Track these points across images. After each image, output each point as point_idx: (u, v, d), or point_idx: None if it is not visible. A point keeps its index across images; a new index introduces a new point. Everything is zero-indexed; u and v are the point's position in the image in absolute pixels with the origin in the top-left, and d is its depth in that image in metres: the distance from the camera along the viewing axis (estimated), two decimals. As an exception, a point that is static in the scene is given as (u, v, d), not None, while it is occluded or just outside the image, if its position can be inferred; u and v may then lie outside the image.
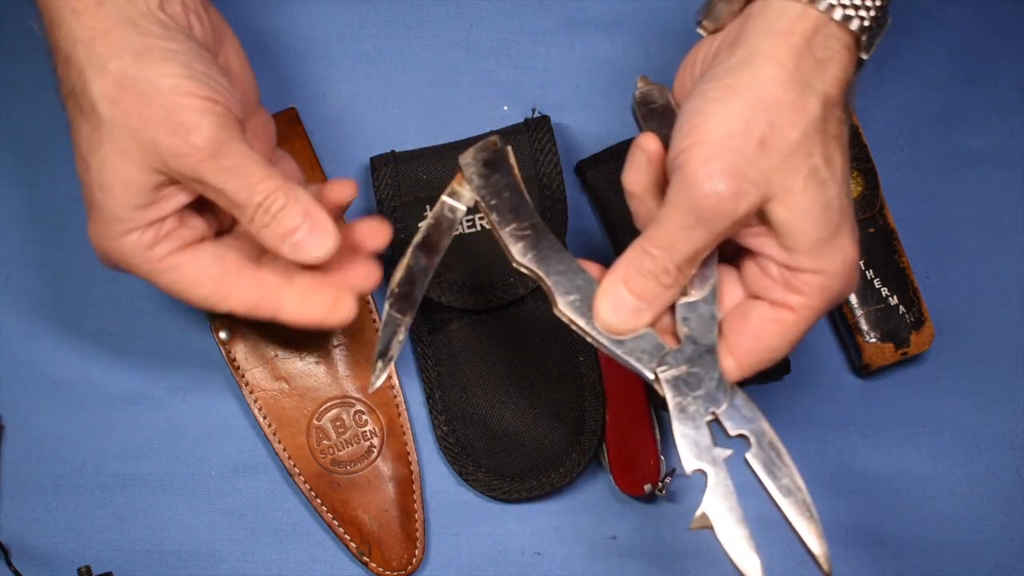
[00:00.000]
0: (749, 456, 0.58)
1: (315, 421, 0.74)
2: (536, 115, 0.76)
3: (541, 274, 0.59)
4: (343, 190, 0.64)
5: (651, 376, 0.58)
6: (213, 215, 0.63)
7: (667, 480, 0.72)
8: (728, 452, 0.57)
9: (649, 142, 0.58)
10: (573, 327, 0.59)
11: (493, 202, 0.60)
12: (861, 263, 0.75)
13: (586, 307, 0.58)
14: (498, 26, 0.80)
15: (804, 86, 0.54)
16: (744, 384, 0.75)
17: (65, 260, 0.76)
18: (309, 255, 0.59)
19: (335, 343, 0.74)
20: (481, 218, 0.74)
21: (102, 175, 0.57)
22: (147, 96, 0.56)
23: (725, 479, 0.57)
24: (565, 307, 0.59)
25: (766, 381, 0.76)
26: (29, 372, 0.75)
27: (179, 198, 0.59)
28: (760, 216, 0.55)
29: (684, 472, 0.57)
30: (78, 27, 0.56)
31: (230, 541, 0.74)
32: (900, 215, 0.77)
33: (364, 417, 0.74)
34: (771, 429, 0.58)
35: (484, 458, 0.74)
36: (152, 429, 0.75)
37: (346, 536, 0.73)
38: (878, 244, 0.76)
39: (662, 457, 0.73)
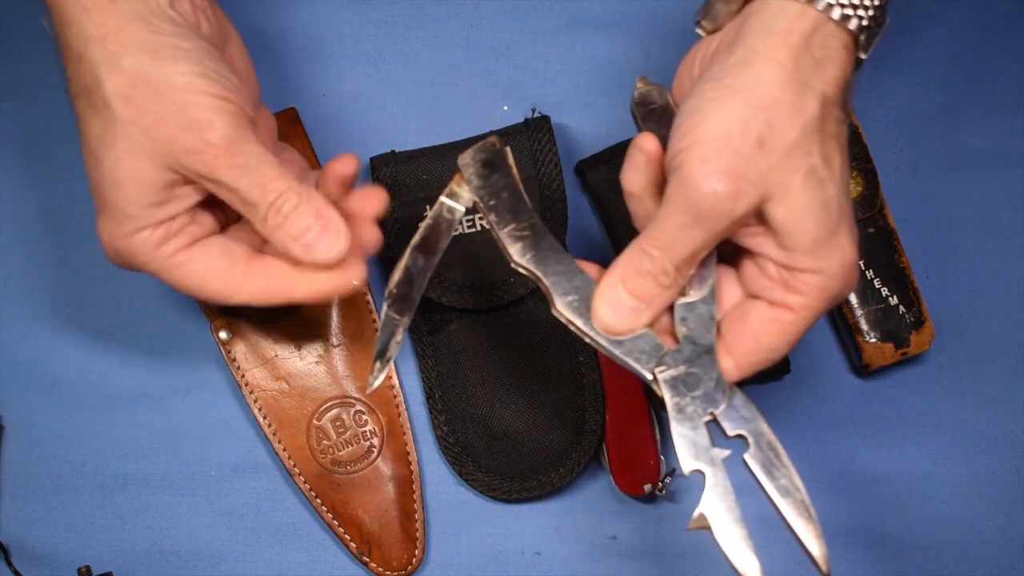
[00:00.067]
0: (747, 456, 0.58)
1: (315, 421, 0.74)
2: (536, 115, 0.76)
3: (539, 274, 0.59)
4: (344, 165, 0.64)
5: (649, 376, 0.58)
6: (221, 210, 0.63)
7: (667, 480, 0.72)
8: (726, 452, 0.57)
9: (647, 142, 0.58)
10: (571, 327, 0.59)
11: (492, 203, 0.60)
12: (861, 263, 0.75)
13: (584, 308, 0.58)
14: (498, 26, 0.80)
15: (802, 85, 0.54)
16: (744, 384, 0.75)
17: (65, 260, 0.76)
18: (321, 256, 0.59)
19: (335, 343, 0.75)
20: (481, 218, 0.74)
21: (115, 173, 0.57)
22: (161, 93, 0.56)
23: (723, 479, 0.57)
24: (563, 308, 0.59)
25: (766, 381, 0.76)
26: (29, 372, 0.75)
27: (191, 196, 0.59)
28: (759, 216, 0.55)
29: (683, 472, 0.57)
30: (90, 24, 0.56)
31: (230, 541, 0.74)
32: (900, 215, 0.77)
33: (364, 417, 0.74)
34: (769, 430, 0.58)
35: (484, 458, 0.74)
36: (152, 429, 0.75)
37: (346, 536, 0.73)
38: (878, 244, 0.76)
39: (662, 457, 0.73)
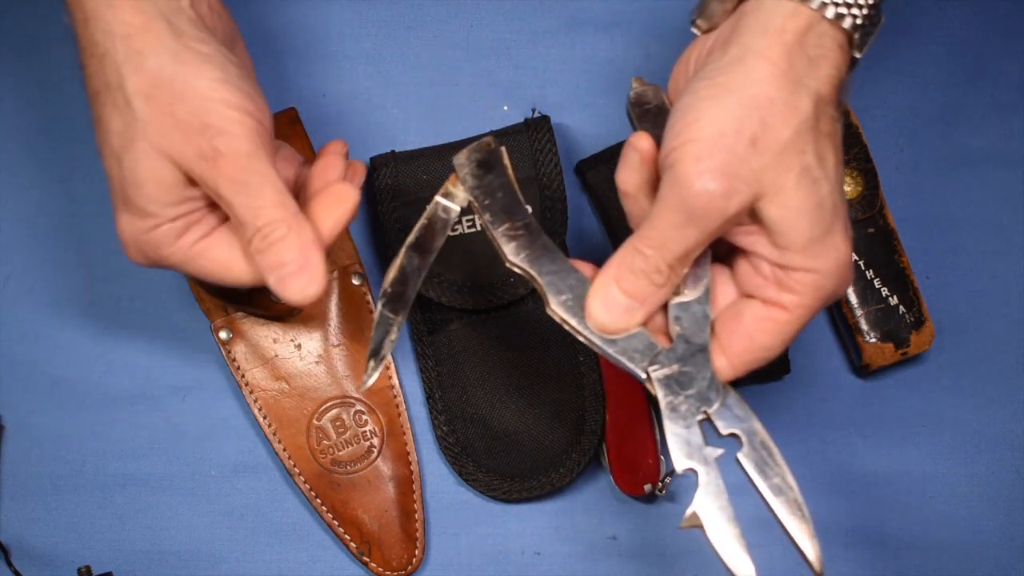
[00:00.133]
0: (740, 455, 0.57)
1: (315, 421, 0.74)
2: (536, 115, 0.76)
3: (534, 274, 0.59)
4: (330, 148, 0.64)
5: (643, 375, 0.58)
6: None
7: (667, 480, 0.72)
8: (719, 451, 0.57)
9: (642, 141, 0.58)
10: (566, 327, 0.59)
11: (486, 202, 0.60)
12: (861, 263, 0.75)
13: (578, 307, 0.58)
14: (498, 26, 0.80)
15: (796, 84, 0.54)
16: (744, 384, 0.75)
17: (65, 260, 0.76)
18: (291, 294, 0.58)
19: (335, 343, 0.75)
20: (481, 218, 0.74)
21: (135, 172, 0.57)
22: (182, 96, 0.56)
23: (716, 478, 0.57)
24: (557, 307, 0.59)
25: (766, 381, 0.76)
26: (29, 372, 0.75)
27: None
28: (752, 215, 0.55)
29: (677, 471, 0.57)
30: (115, 22, 0.56)
31: (230, 541, 0.74)
32: (900, 215, 0.77)
33: (364, 417, 0.74)
34: (763, 429, 0.58)
35: (484, 458, 0.74)
36: (152, 429, 0.75)
37: (346, 536, 0.73)
38: (878, 244, 0.76)
39: (662, 457, 0.73)
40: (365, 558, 0.73)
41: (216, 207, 0.60)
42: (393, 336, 0.60)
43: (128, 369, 0.75)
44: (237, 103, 0.56)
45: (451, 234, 0.74)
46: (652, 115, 0.60)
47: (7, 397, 0.75)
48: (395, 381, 0.75)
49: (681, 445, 0.57)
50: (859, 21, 0.55)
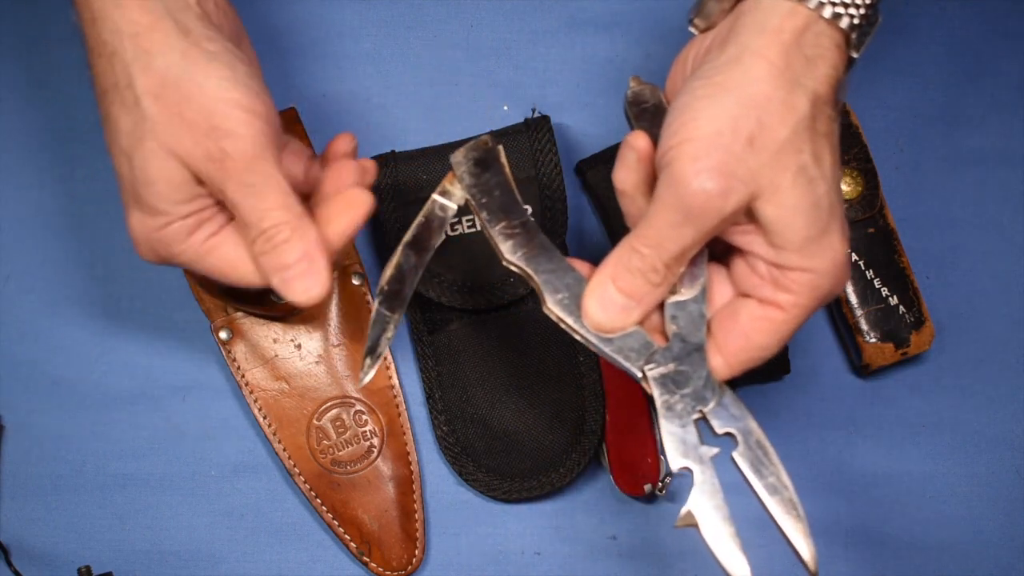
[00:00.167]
0: (736, 454, 0.57)
1: (315, 421, 0.74)
2: (536, 115, 0.76)
3: (530, 272, 0.59)
4: (341, 146, 0.64)
5: (639, 374, 0.58)
6: None
7: (667, 480, 0.72)
8: (715, 450, 0.57)
9: (639, 140, 0.58)
10: (562, 325, 0.59)
11: (483, 200, 0.60)
12: (861, 263, 0.75)
13: (575, 305, 0.58)
14: (498, 26, 0.80)
15: (793, 84, 0.54)
16: (744, 384, 0.75)
17: (65, 260, 0.76)
18: (295, 295, 0.59)
19: (335, 343, 0.75)
20: (481, 218, 0.74)
21: (146, 171, 0.57)
22: (190, 96, 0.56)
23: (711, 477, 0.57)
24: (554, 305, 0.59)
25: (766, 381, 0.76)
26: (29, 372, 0.75)
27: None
28: (749, 214, 0.55)
29: (671, 469, 0.57)
30: (123, 21, 0.56)
31: (230, 541, 0.74)
32: (900, 215, 0.77)
33: (364, 417, 0.74)
34: (758, 428, 0.58)
35: (484, 458, 0.74)
36: (152, 429, 0.75)
37: (346, 536, 0.73)
38: (878, 244, 0.76)
39: (662, 457, 0.73)
40: (365, 558, 0.73)
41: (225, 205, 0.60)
42: (389, 334, 0.60)
43: (128, 369, 0.75)
44: (245, 103, 0.56)
45: (451, 234, 0.74)
46: (649, 114, 0.61)
47: (7, 397, 0.75)
48: (395, 381, 0.75)
49: (677, 444, 0.57)
50: (856, 21, 0.55)
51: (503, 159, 0.61)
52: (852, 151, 0.76)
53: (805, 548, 0.57)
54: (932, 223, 0.79)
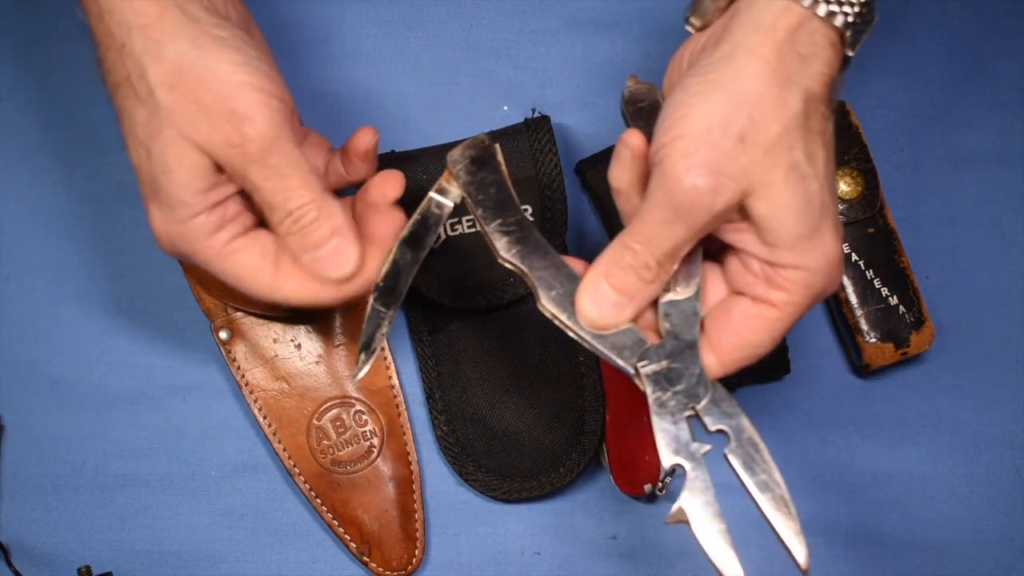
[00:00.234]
0: (728, 452, 0.57)
1: (315, 421, 0.74)
2: (536, 115, 0.76)
3: (525, 269, 0.59)
4: (360, 140, 0.64)
5: (632, 371, 0.58)
6: None
7: (667, 480, 0.72)
8: (707, 447, 0.57)
9: (633, 138, 0.58)
10: (556, 322, 0.59)
11: (480, 198, 0.60)
12: (861, 263, 0.75)
13: (568, 302, 0.59)
14: (498, 26, 0.80)
15: (786, 81, 0.54)
16: (744, 384, 0.75)
17: (65, 260, 0.76)
18: (328, 273, 0.60)
19: (335, 343, 0.75)
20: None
21: (164, 160, 0.57)
22: (205, 82, 0.56)
23: (703, 474, 0.57)
24: (548, 302, 0.59)
25: (766, 381, 0.76)
26: (29, 372, 0.75)
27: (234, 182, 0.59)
28: (741, 211, 0.55)
29: (664, 467, 0.57)
30: (131, 12, 0.56)
31: (230, 541, 0.74)
32: (900, 215, 0.77)
33: (364, 417, 0.74)
34: (751, 425, 0.58)
35: (484, 458, 0.74)
36: (152, 429, 0.75)
37: (346, 536, 0.73)
38: (878, 244, 0.76)
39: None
40: (365, 558, 0.73)
41: (249, 207, 0.60)
42: (384, 330, 0.60)
43: (128, 369, 0.75)
44: (260, 85, 0.56)
45: (451, 234, 0.74)
46: (646, 113, 0.61)
47: (7, 397, 0.75)
48: (395, 381, 0.75)
49: (668, 441, 0.57)
50: (851, 19, 0.55)
51: (500, 157, 0.61)
52: (852, 151, 0.76)
53: (796, 545, 0.57)
54: (932, 223, 0.79)
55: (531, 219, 0.74)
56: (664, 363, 0.58)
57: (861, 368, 0.76)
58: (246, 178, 0.57)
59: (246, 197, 0.61)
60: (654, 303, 0.58)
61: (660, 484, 0.72)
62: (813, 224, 0.55)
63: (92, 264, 0.76)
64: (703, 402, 0.58)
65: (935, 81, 0.81)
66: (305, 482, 0.73)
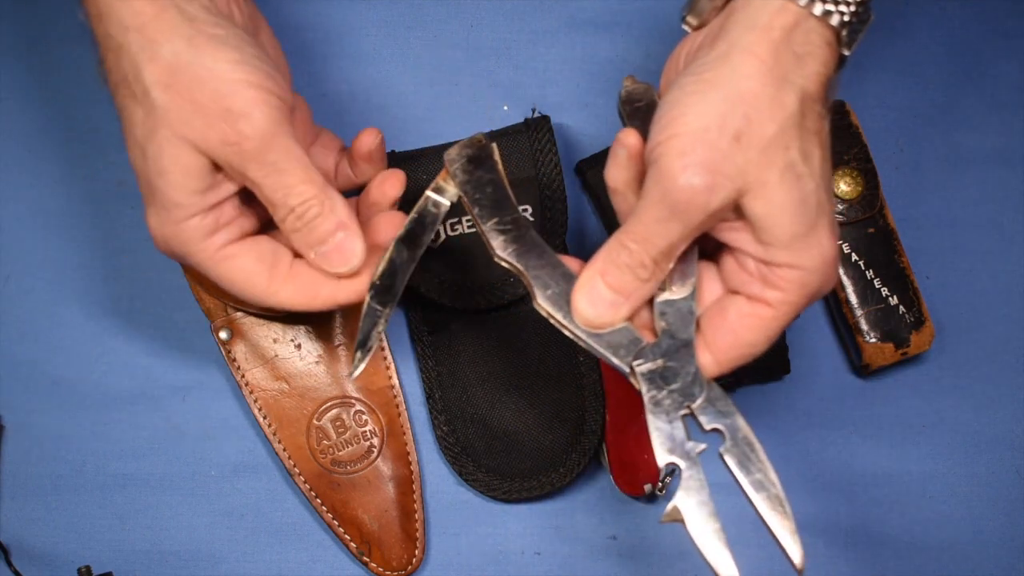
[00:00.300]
0: (723, 451, 0.58)
1: (315, 421, 0.74)
2: (536, 115, 0.76)
3: (521, 268, 0.59)
4: (364, 141, 0.64)
5: (627, 369, 0.58)
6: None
7: (667, 480, 0.72)
8: (702, 446, 0.57)
9: (629, 137, 0.58)
10: (552, 321, 0.59)
11: (476, 197, 0.60)
12: (861, 263, 0.75)
13: (564, 301, 0.59)
14: (498, 26, 0.80)
15: (782, 80, 0.54)
16: (744, 384, 0.75)
17: (65, 260, 0.76)
18: (334, 267, 0.60)
19: (336, 343, 0.75)
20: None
21: (159, 161, 0.57)
22: (200, 81, 0.56)
23: (698, 473, 0.57)
24: (544, 301, 0.59)
25: (766, 381, 0.76)
26: (29, 372, 0.75)
27: (233, 183, 0.59)
28: (737, 210, 0.55)
29: (660, 465, 0.57)
30: (128, 13, 0.56)
31: (230, 541, 0.74)
32: (900, 215, 0.77)
33: (364, 417, 0.74)
34: (746, 425, 0.58)
35: (484, 458, 0.74)
36: (152, 429, 0.75)
37: (346, 536, 0.73)
38: (878, 244, 0.76)
39: (662, 457, 0.73)
40: (365, 558, 0.73)
41: (247, 212, 0.60)
42: (380, 328, 0.61)
43: (128, 369, 0.75)
44: (256, 82, 0.56)
45: (451, 234, 0.74)
46: (642, 113, 0.61)
47: (7, 397, 0.75)
48: (395, 381, 0.75)
49: (664, 440, 0.57)
50: (847, 18, 0.55)
51: (496, 156, 0.61)
52: (852, 151, 0.76)
53: (792, 545, 0.57)
54: (932, 223, 0.79)
55: (531, 219, 0.74)
56: (660, 362, 0.58)
57: (861, 368, 0.76)
58: (246, 176, 0.57)
59: (248, 201, 0.61)
60: (650, 302, 0.58)
61: (660, 484, 0.72)
62: (809, 223, 0.55)
63: (92, 264, 0.76)
64: (698, 401, 0.58)
65: (935, 81, 0.81)
66: (305, 482, 0.73)
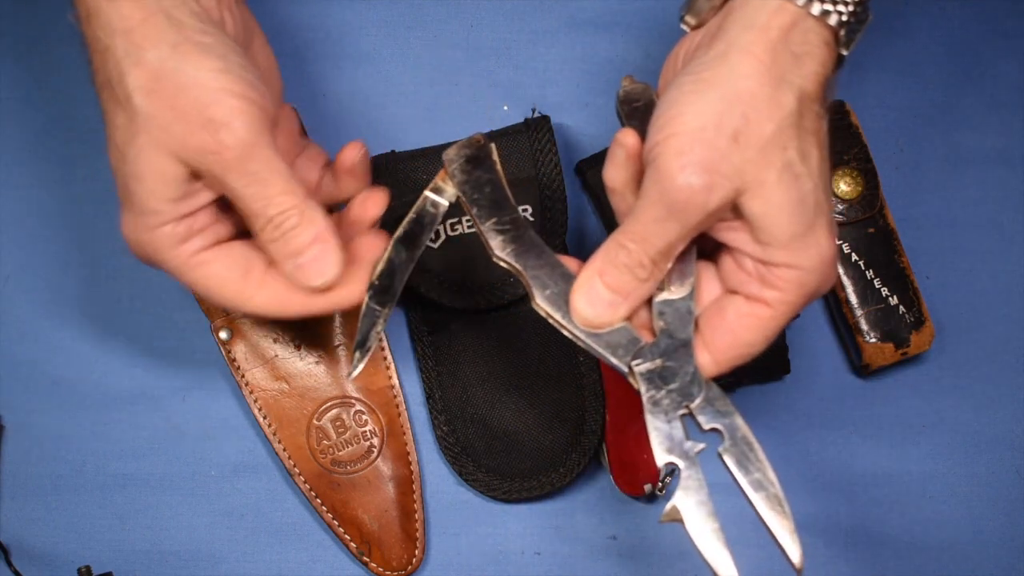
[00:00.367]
0: (722, 451, 0.58)
1: (315, 421, 0.74)
2: (536, 115, 0.76)
3: (520, 268, 0.59)
4: (347, 155, 0.64)
5: (625, 369, 0.58)
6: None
7: (667, 480, 0.72)
8: (701, 446, 0.57)
9: (628, 137, 0.58)
10: (550, 321, 0.59)
11: (475, 197, 0.60)
12: (861, 263, 0.75)
13: (563, 301, 0.59)
14: (498, 26, 0.80)
15: (780, 80, 0.54)
16: (744, 384, 0.75)
17: (65, 260, 0.76)
18: (309, 280, 0.59)
19: (336, 343, 0.75)
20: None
21: (137, 166, 0.57)
22: (183, 88, 0.55)
23: (697, 473, 0.57)
24: (542, 301, 0.59)
25: (766, 381, 0.76)
26: (29, 372, 0.75)
27: (210, 192, 0.59)
28: (735, 210, 0.55)
29: (659, 465, 0.57)
30: (115, 16, 0.56)
31: (230, 541, 0.74)
32: (900, 215, 0.77)
33: (364, 417, 0.74)
34: (745, 424, 0.58)
35: (484, 458, 0.74)
36: (152, 429, 0.75)
37: (346, 536, 0.73)
38: (878, 244, 0.76)
39: (662, 457, 0.73)
40: (365, 558, 0.73)
41: (222, 219, 0.60)
42: (379, 328, 0.61)
43: (128, 369, 0.75)
44: (239, 91, 0.56)
45: (451, 234, 0.74)
46: (641, 113, 0.61)
47: (7, 397, 0.75)
48: (395, 381, 0.75)
49: (662, 439, 0.57)
50: (845, 18, 0.55)
51: (495, 156, 0.61)
52: (852, 151, 0.76)
53: (791, 544, 0.57)
54: (932, 223, 0.79)
55: (531, 219, 0.74)
56: (658, 362, 0.58)
57: (861, 368, 0.76)
58: (225, 185, 0.57)
59: (224, 208, 0.60)
60: (648, 302, 0.58)
61: (660, 484, 0.72)
62: (807, 223, 0.55)
63: (92, 264, 0.76)
64: (697, 401, 0.58)
65: (935, 81, 0.81)
66: (305, 482, 0.73)
